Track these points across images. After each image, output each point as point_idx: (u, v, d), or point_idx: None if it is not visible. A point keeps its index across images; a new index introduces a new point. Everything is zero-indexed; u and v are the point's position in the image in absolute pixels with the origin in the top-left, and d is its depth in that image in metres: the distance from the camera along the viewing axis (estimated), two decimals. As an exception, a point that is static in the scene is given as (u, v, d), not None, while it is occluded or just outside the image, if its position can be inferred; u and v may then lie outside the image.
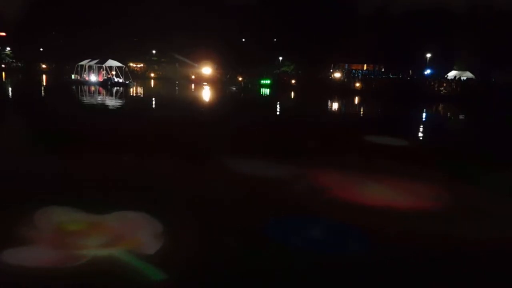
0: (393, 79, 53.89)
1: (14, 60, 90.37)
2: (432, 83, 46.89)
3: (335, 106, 36.00)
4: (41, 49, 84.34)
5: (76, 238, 5.79)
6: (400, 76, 55.37)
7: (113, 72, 46.47)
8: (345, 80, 54.83)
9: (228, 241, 6.01)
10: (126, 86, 43.22)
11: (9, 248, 5.42)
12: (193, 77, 64.16)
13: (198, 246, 5.80)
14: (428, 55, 59.39)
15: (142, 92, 43.30)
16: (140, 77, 65.05)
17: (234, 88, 50.27)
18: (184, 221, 6.57)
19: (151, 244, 5.67)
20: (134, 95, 38.42)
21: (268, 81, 56.70)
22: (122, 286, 4.85)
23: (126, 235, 5.99)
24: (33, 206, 6.73)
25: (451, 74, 54.95)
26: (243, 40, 74.46)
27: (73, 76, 47.61)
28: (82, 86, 42.20)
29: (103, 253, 5.39)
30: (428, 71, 57.26)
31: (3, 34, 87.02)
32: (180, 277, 5.04)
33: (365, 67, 67.23)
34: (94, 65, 46.27)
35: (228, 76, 64.00)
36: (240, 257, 5.63)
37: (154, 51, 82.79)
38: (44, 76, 65.57)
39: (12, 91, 39.26)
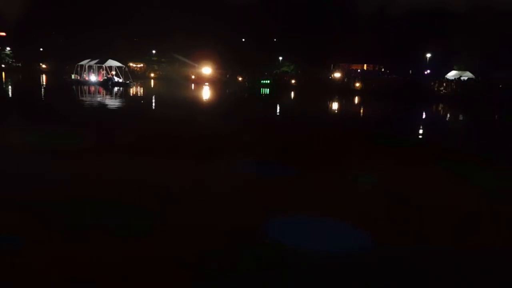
0: (393, 79, 53.93)
1: (14, 60, 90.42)
2: (432, 83, 46.91)
3: (335, 106, 36.01)
4: (41, 49, 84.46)
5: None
6: (404, 76, 55.42)
7: (113, 72, 46.45)
8: (345, 80, 54.89)
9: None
10: (126, 86, 43.23)
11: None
12: (193, 77, 64.18)
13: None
14: (428, 55, 59.52)
15: (143, 92, 43.28)
16: (140, 77, 64.99)
17: (232, 89, 50.38)
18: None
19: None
20: (135, 95, 38.42)
21: (268, 81, 56.82)
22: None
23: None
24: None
25: (451, 74, 55.02)
26: (243, 40, 74.67)
27: (73, 76, 47.51)
28: (82, 86, 42.16)
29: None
30: (428, 71, 57.36)
31: (3, 34, 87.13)
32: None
33: (365, 67, 67.37)
34: (94, 65, 46.22)
35: (228, 76, 64.06)
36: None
37: (154, 51, 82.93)
38: (44, 76, 65.52)
39: (12, 91, 39.26)
